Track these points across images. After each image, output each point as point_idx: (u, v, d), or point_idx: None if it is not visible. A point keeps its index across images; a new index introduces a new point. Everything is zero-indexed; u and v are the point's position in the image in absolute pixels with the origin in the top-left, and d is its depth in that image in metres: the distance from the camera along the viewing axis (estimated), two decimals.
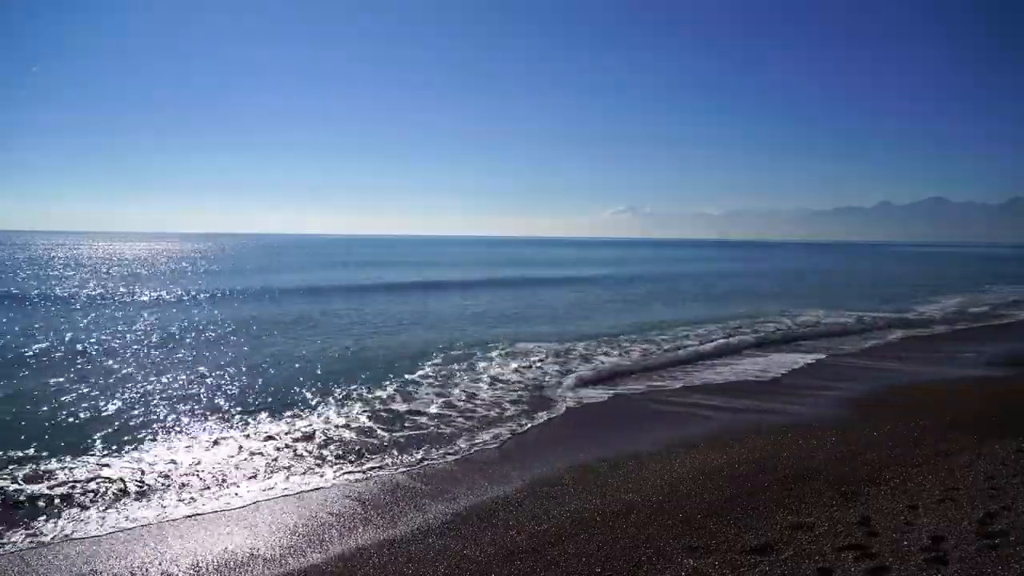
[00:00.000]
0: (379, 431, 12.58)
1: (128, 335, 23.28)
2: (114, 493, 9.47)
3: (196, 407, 14.05)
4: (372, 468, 10.71)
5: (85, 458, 10.75)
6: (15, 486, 9.51)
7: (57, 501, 9.13)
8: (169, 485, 9.81)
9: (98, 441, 11.67)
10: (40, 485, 9.56)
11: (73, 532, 8.28)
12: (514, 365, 18.60)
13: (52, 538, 8.12)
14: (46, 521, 8.55)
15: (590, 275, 63.20)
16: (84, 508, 8.96)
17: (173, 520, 8.70)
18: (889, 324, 28.31)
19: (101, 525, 8.51)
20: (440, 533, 8.19)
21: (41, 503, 9.06)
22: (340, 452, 11.41)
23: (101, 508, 9.01)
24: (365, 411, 13.83)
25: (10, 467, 10.21)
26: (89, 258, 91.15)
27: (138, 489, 9.62)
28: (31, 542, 8.01)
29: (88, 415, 13.26)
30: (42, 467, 10.22)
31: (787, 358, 20.40)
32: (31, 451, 10.99)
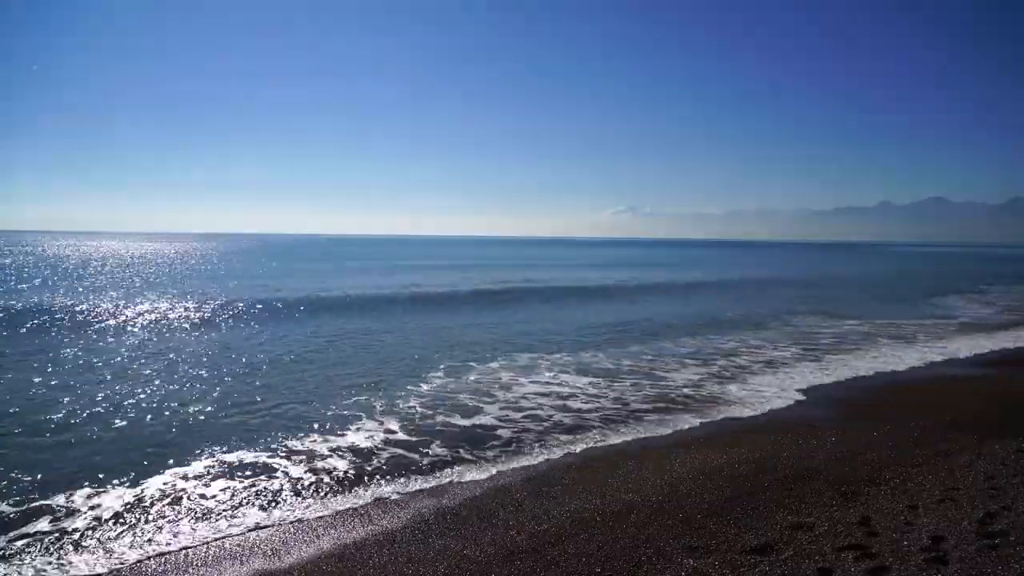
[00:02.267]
0: (379, 437, 12.60)
1: (156, 352, 21.07)
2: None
3: (210, 425, 12.96)
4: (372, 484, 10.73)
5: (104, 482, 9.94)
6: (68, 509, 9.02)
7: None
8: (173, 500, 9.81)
9: (117, 464, 10.70)
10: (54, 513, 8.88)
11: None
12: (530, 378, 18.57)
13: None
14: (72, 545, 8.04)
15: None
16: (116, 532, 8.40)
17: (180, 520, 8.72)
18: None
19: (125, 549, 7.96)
20: (440, 533, 8.20)
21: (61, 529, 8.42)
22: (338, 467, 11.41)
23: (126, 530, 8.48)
24: (368, 417, 13.83)
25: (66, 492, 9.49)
26: (96, 259, 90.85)
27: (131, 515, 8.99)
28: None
29: (119, 436, 12.27)
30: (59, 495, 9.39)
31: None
32: (52, 477, 10.04)
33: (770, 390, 15.93)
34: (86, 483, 9.84)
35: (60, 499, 9.27)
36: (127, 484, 9.87)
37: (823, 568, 6.54)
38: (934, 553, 6.65)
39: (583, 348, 21.99)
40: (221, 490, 9.72)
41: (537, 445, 11.82)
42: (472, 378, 17.22)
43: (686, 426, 13.01)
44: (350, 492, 9.75)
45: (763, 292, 46.46)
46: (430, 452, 11.49)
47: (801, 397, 15.26)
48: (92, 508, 9.03)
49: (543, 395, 15.42)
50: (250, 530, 8.45)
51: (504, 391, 15.82)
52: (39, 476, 10.09)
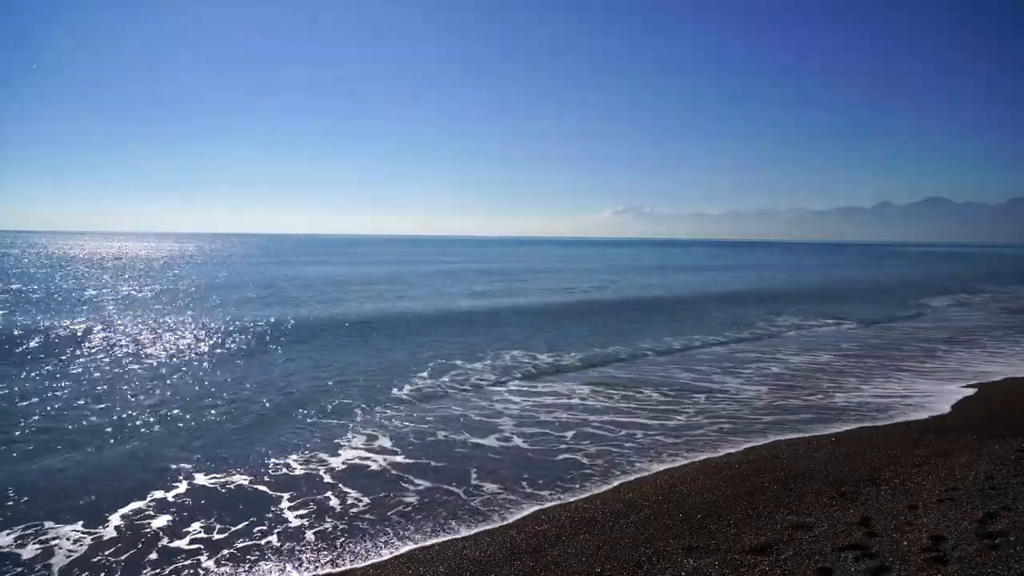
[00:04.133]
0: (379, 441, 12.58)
1: (129, 364, 20.24)
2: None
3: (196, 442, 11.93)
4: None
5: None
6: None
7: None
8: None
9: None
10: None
11: None
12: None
13: None
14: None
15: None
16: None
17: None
18: None
19: None
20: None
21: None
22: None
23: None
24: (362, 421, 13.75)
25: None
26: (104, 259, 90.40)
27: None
28: None
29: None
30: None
31: None
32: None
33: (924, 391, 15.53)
34: (40, 517, 8.61)
35: (3, 538, 8.06)
36: (87, 520, 8.53)
37: (823, 568, 6.54)
38: (934, 553, 6.65)
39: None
40: (193, 541, 8.02)
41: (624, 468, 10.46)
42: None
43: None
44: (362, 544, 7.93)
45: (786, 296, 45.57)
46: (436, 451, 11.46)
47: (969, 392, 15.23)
48: (38, 555, 7.68)
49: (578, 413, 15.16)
50: None
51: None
52: None
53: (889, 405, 14.26)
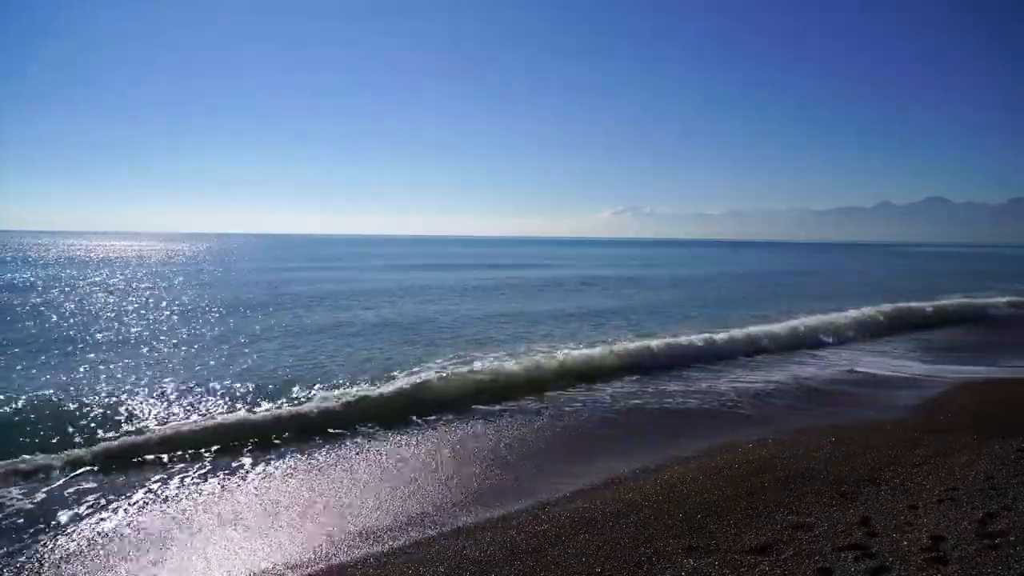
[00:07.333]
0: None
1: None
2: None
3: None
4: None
5: None
6: None
7: None
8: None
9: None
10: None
11: None
12: None
13: None
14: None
15: None
16: None
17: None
18: None
19: None
20: (440, 533, 8.19)
21: None
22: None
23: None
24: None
25: None
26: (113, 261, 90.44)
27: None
28: None
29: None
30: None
31: None
32: None
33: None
34: None
35: None
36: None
37: (823, 568, 6.53)
38: (934, 553, 6.64)
39: None
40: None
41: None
42: None
43: None
44: None
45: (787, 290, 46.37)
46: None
47: None
48: None
49: None
50: None
51: None
52: None
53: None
